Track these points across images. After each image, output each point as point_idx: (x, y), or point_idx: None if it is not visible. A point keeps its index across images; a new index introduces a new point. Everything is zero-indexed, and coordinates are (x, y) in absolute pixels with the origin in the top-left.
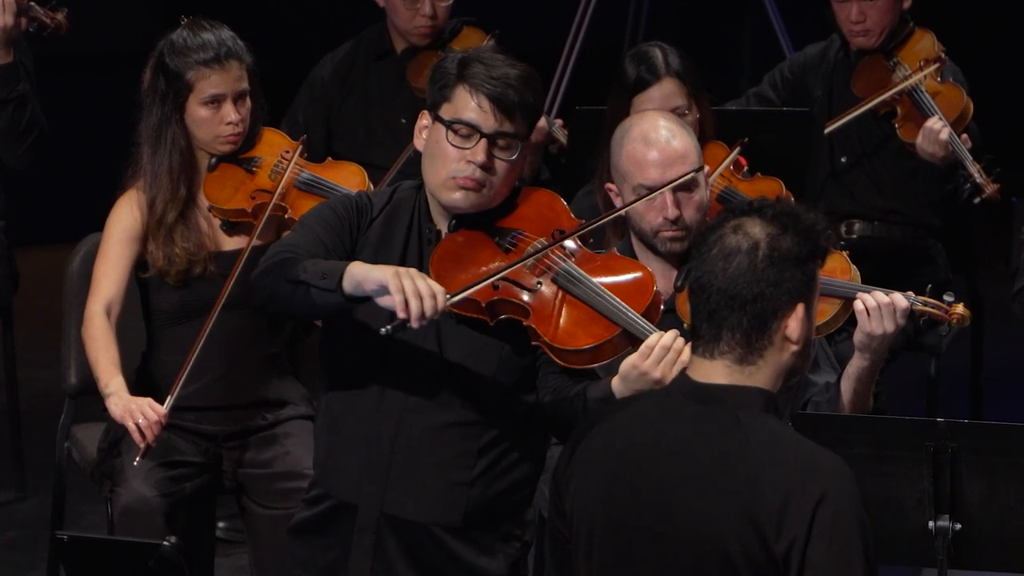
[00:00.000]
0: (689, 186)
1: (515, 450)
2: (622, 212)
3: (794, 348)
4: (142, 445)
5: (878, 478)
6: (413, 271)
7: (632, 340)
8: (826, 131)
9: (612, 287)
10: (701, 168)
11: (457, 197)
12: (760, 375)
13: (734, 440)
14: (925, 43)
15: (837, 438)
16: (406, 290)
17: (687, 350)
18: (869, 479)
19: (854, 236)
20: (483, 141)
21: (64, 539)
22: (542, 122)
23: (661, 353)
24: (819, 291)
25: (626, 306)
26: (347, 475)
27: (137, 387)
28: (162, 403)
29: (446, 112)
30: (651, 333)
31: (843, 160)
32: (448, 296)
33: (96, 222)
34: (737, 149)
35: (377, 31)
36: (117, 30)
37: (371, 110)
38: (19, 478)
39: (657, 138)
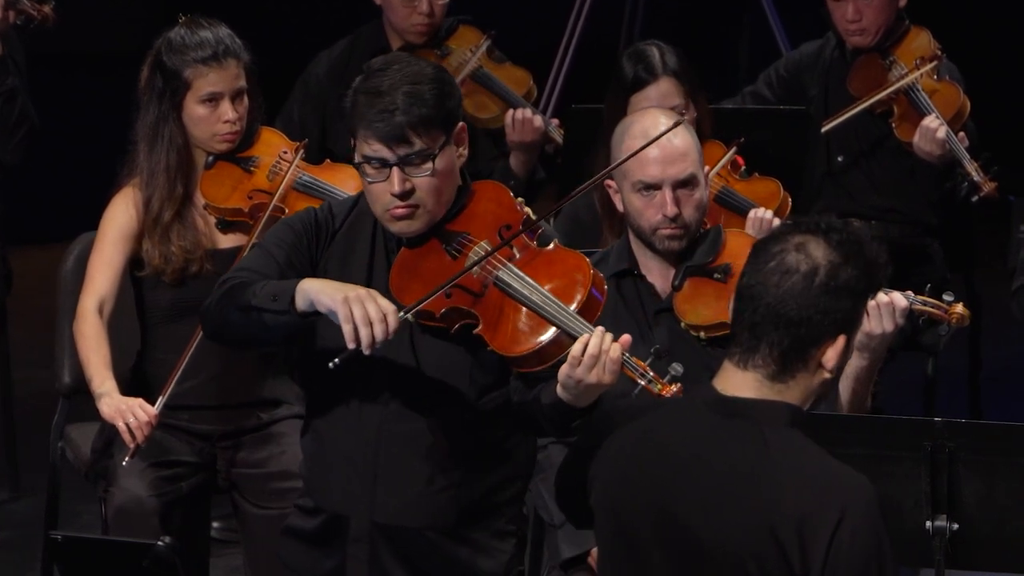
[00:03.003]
0: (688, 183)
1: (501, 445)
2: (560, 208)
3: (826, 375)
4: (132, 445)
5: (876, 478)
6: (363, 293)
7: (572, 338)
8: (823, 130)
9: (548, 283)
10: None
11: (399, 227)
12: (789, 393)
13: (756, 455)
14: (921, 41)
15: (835, 438)
16: (355, 318)
17: (616, 347)
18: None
19: None
20: (394, 169)
21: (58, 539)
22: (538, 122)
23: (590, 361)
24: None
25: (561, 304)
26: (335, 488)
27: (131, 385)
28: (155, 402)
29: (357, 148)
30: (582, 333)
31: (840, 159)
32: (401, 313)
33: (92, 221)
34: (733, 149)
35: (373, 29)
36: (116, 29)
37: None
38: (13, 478)
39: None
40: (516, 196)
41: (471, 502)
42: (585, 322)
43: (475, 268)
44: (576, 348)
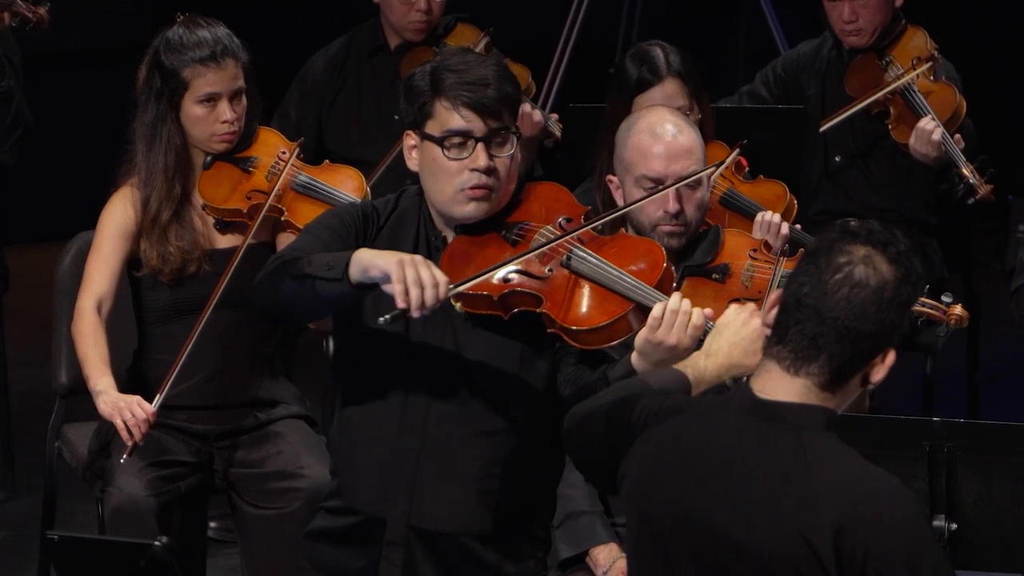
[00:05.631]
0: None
1: (540, 453)
2: (634, 206)
3: (867, 386)
4: (129, 443)
5: None
6: (419, 259)
7: (647, 313)
8: (820, 130)
9: (622, 263)
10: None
11: (470, 209)
12: (832, 400)
13: (793, 459)
14: (918, 41)
15: None
16: (407, 278)
17: (696, 311)
18: None
19: None
20: (479, 145)
21: (55, 539)
22: (538, 116)
23: (671, 318)
24: None
25: (637, 280)
26: (372, 489)
27: (129, 386)
28: (152, 402)
29: (433, 128)
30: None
31: (837, 159)
32: (452, 286)
33: (88, 220)
34: (736, 151)
35: (370, 27)
36: (107, 25)
37: (364, 106)
38: (9, 478)
39: (664, 131)
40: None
41: (509, 508)
42: (662, 295)
43: (541, 251)
44: (656, 310)
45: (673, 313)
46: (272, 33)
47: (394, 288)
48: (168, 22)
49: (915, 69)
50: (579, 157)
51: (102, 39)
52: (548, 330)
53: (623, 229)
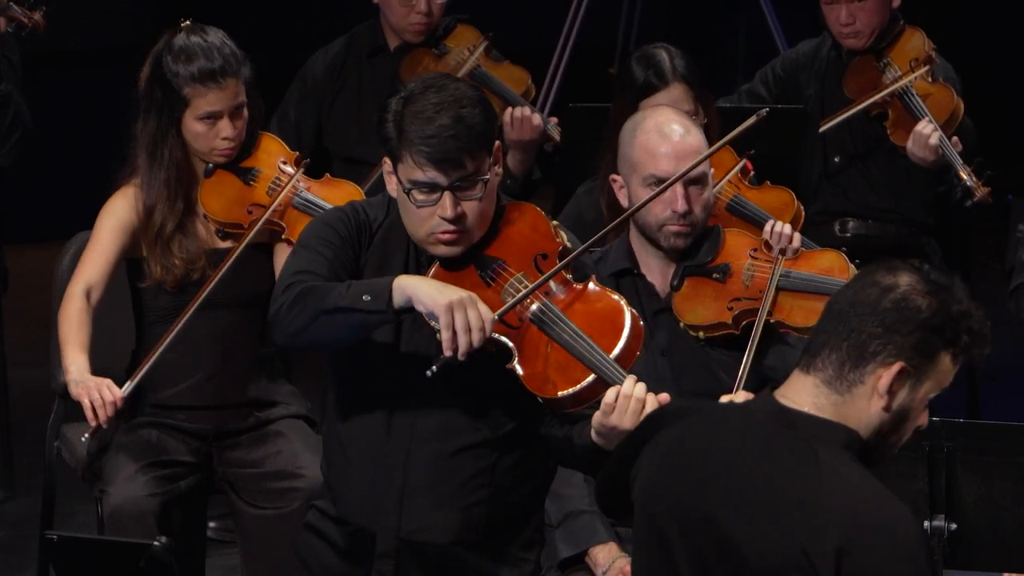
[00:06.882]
0: (700, 181)
1: (528, 459)
2: (602, 235)
3: (881, 404)
4: (93, 423)
5: None
6: (465, 299)
7: (607, 385)
8: (819, 131)
9: (587, 325)
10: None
11: (442, 251)
12: (846, 408)
13: (805, 470)
14: (915, 42)
15: None
16: (456, 325)
17: (651, 398)
18: None
19: (848, 234)
20: (446, 195)
21: (54, 539)
22: (537, 120)
23: (624, 404)
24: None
25: (599, 350)
26: (361, 503)
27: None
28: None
29: (401, 173)
30: (621, 380)
31: (836, 160)
32: (494, 317)
33: (88, 220)
34: (742, 162)
35: (370, 27)
36: (107, 25)
37: (363, 107)
38: (8, 478)
39: (671, 131)
40: (513, 197)
41: (500, 516)
42: (622, 369)
43: (516, 303)
44: (609, 396)
45: (626, 399)
46: (272, 34)
47: (442, 335)
48: (168, 22)
49: (913, 71)
50: (579, 157)
51: (102, 39)
52: (516, 383)
53: (593, 277)
